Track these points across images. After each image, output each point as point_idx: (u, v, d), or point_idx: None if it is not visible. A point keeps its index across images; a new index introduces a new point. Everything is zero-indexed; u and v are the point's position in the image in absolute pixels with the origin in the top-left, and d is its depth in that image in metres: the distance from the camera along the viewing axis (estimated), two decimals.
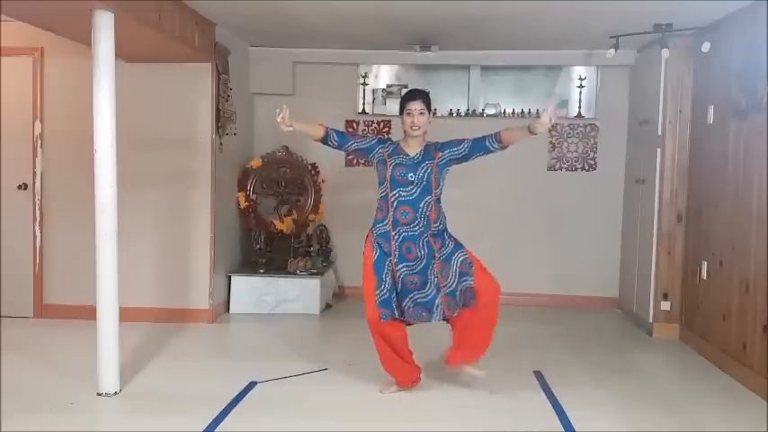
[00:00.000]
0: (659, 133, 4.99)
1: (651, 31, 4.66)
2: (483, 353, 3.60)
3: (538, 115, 5.91)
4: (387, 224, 3.48)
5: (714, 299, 4.38)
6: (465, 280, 3.47)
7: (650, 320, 5.03)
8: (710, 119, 4.52)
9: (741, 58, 4.12)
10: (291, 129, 3.45)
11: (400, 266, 3.46)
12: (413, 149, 3.51)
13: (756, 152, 3.89)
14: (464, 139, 3.50)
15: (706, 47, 4.40)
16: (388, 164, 3.48)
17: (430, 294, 3.47)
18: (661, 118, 4.95)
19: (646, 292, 5.12)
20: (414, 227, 3.44)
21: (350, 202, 6.09)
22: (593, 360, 4.40)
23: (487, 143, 3.46)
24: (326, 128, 3.56)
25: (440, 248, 3.48)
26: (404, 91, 5.96)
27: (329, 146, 3.60)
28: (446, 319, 3.57)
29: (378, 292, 3.47)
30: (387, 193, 3.47)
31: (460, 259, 3.49)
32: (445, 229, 3.56)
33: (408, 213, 3.44)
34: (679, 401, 3.68)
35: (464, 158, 3.50)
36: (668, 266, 4.97)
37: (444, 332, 3.69)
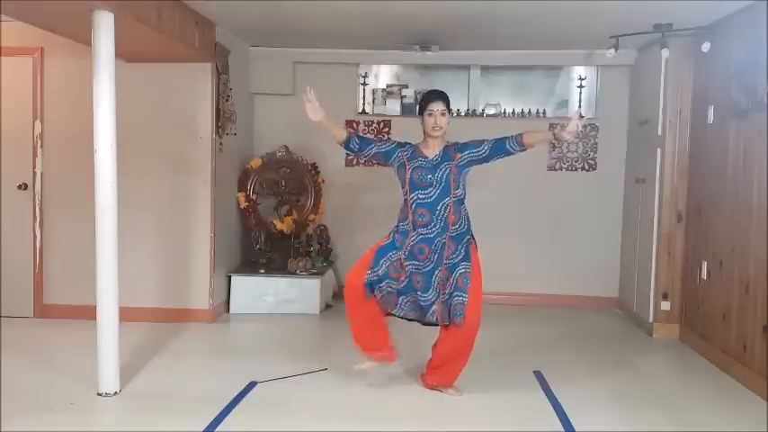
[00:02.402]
0: (659, 133, 4.99)
1: (651, 31, 4.66)
2: (455, 379, 3.65)
3: (538, 115, 5.96)
4: (407, 224, 3.51)
5: (714, 299, 4.38)
6: (458, 295, 3.46)
7: (650, 320, 5.03)
8: (710, 119, 4.51)
9: (741, 58, 4.12)
10: (322, 115, 3.51)
11: (408, 264, 3.49)
12: (432, 151, 3.52)
13: (756, 152, 3.89)
14: (484, 140, 3.49)
15: (706, 47, 4.40)
16: (408, 167, 3.49)
17: (431, 298, 3.49)
18: (661, 118, 4.95)
19: (646, 292, 5.12)
20: (431, 229, 3.45)
21: (350, 201, 6.10)
22: (593, 360, 4.41)
23: (508, 145, 3.44)
24: (350, 132, 3.65)
25: (449, 256, 3.47)
26: (404, 91, 6.10)
27: (350, 149, 3.65)
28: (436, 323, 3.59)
29: (369, 271, 3.48)
30: (407, 197, 3.50)
31: (461, 271, 3.47)
32: (467, 233, 3.53)
33: (425, 215, 3.44)
34: (679, 401, 3.68)
35: (485, 160, 3.50)
36: (668, 266, 4.96)
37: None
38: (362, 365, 3.68)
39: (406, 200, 3.52)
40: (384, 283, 3.50)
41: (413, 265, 3.49)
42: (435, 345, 3.65)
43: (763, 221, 3.78)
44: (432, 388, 3.69)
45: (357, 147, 3.61)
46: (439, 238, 3.45)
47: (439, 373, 3.65)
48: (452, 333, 3.51)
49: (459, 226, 3.49)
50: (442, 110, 3.49)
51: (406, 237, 3.50)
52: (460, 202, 3.50)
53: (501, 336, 4.85)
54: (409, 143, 3.62)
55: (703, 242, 4.59)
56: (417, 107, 3.64)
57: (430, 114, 3.49)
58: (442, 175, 3.44)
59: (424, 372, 3.72)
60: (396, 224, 3.59)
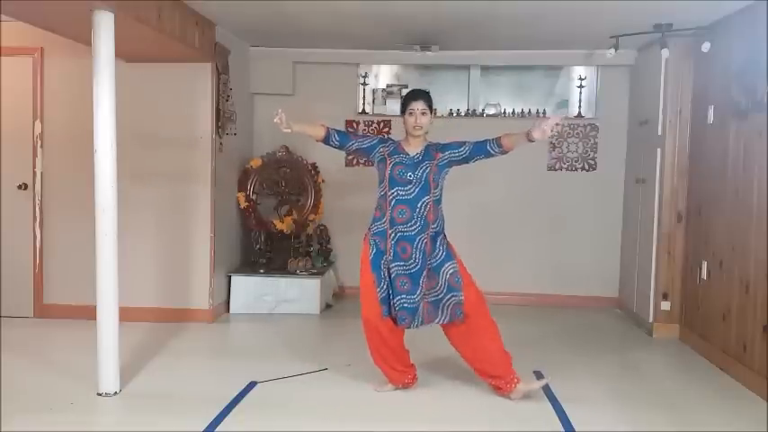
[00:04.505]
0: (659, 133, 4.99)
1: (651, 31, 4.66)
2: (511, 365, 3.56)
3: (538, 115, 5.96)
4: (384, 222, 3.49)
5: (714, 299, 4.38)
6: (454, 295, 3.45)
7: (650, 320, 5.03)
8: (710, 119, 4.52)
9: (741, 58, 4.12)
10: (289, 131, 3.46)
11: (393, 265, 3.47)
12: (413, 149, 3.51)
13: (756, 152, 3.89)
14: (465, 142, 3.49)
15: (706, 47, 4.40)
16: (388, 162, 3.48)
17: (416, 300, 3.47)
18: (661, 118, 4.95)
19: (646, 292, 5.12)
20: (410, 226, 3.44)
21: (350, 202, 6.09)
22: (593, 360, 4.40)
23: (488, 147, 3.44)
24: (328, 128, 3.57)
25: (431, 254, 3.46)
26: (404, 91, 6.07)
27: (331, 146, 3.61)
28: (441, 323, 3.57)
29: (378, 289, 3.47)
30: (385, 192, 3.48)
31: (450, 272, 3.46)
32: (441, 233, 3.53)
33: (405, 212, 3.43)
34: (679, 401, 3.68)
35: (464, 161, 3.50)
36: (668, 266, 4.96)
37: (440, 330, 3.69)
38: (383, 389, 3.68)
39: (384, 195, 3.49)
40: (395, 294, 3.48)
41: (398, 266, 3.46)
42: (467, 359, 3.61)
43: (763, 221, 3.78)
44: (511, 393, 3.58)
45: (337, 143, 3.57)
46: (420, 236, 3.44)
47: (498, 369, 3.55)
48: (463, 330, 3.50)
49: (437, 225, 3.49)
50: (422, 109, 3.47)
51: (385, 237, 3.48)
52: (438, 201, 3.50)
53: (501, 335, 4.84)
54: (391, 139, 3.63)
55: (703, 242, 4.59)
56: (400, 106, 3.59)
57: (411, 114, 3.47)
58: (423, 174, 3.43)
59: (494, 386, 3.61)
60: (369, 228, 3.55)
